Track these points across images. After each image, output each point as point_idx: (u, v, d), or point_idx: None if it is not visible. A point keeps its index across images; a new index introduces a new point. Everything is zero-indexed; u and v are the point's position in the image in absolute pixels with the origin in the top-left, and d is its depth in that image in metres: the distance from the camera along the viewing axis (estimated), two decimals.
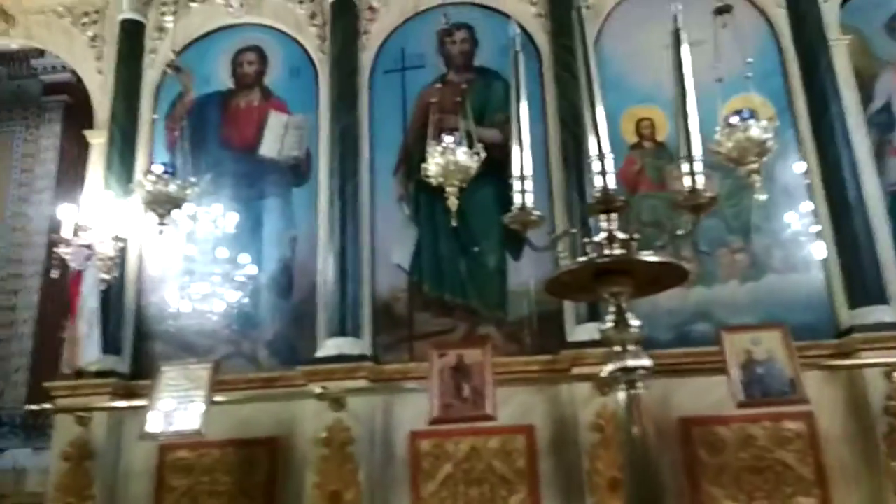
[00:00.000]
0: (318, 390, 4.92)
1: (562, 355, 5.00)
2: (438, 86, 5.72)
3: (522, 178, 2.53)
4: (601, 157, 2.43)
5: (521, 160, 2.55)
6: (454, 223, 4.89)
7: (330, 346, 5.18)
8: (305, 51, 6.12)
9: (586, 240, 2.41)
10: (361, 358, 5.16)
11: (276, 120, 5.98)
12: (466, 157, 4.82)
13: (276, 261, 5.66)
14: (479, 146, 4.90)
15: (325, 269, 5.43)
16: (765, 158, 3.80)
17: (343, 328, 5.23)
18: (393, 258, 5.56)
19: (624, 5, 5.89)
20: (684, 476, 4.71)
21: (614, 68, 5.50)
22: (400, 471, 4.98)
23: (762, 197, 3.96)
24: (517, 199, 2.51)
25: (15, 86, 10.44)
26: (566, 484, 4.82)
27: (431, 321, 5.40)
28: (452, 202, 4.80)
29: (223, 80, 6.18)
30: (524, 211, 2.51)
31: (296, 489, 4.98)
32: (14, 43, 6.91)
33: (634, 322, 2.35)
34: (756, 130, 3.76)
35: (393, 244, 5.59)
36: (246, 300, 5.53)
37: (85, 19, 6.34)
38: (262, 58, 6.19)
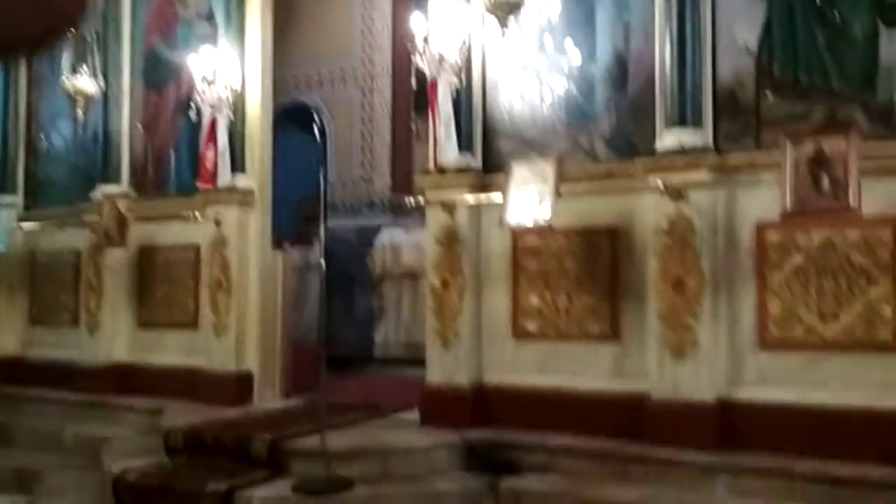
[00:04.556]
0: (659, 184, 4.98)
1: None
2: None
3: None
4: None
5: None
6: None
7: (668, 138, 5.10)
8: None
9: None
10: (703, 149, 5.03)
11: None
12: None
13: (609, 52, 5.56)
14: None
15: (663, 56, 5.21)
16: None
17: (682, 118, 5.07)
18: (738, 39, 5.10)
19: None
20: None
21: None
22: (744, 261, 4.96)
23: None
24: None
25: None
26: None
27: (782, 106, 4.96)
28: None
29: None
30: None
31: (638, 273, 5.27)
32: None
33: None
34: None
35: (738, 23, 5.10)
36: (577, 93, 5.59)
37: None
38: None
